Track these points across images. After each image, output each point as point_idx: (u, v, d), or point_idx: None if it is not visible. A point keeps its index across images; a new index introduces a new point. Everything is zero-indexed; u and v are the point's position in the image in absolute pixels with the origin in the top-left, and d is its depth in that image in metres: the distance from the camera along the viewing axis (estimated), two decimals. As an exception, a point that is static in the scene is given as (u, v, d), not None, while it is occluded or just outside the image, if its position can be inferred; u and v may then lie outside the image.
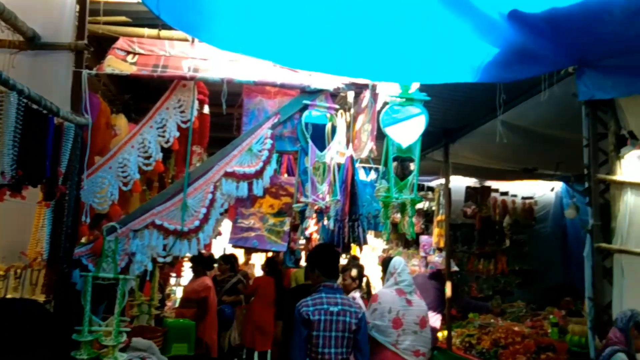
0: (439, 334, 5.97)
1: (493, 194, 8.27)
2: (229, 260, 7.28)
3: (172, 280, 7.85)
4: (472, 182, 8.22)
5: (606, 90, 3.49)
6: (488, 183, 8.25)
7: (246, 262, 9.04)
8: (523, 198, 8.49)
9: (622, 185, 3.71)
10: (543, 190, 8.62)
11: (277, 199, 3.67)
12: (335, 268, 3.59)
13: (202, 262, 5.98)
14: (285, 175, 4.58)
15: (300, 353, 3.32)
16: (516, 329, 5.67)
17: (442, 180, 6.34)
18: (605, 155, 3.79)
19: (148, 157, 3.65)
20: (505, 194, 8.38)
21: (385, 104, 3.69)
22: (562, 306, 6.91)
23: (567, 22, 2.72)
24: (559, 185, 8.58)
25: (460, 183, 7.89)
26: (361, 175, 5.65)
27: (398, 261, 4.29)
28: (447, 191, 6.13)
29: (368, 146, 3.82)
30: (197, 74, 3.67)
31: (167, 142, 3.69)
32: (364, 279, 5.31)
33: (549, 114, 4.59)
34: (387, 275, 4.31)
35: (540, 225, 8.65)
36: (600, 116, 3.83)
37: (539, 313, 6.75)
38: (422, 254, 6.78)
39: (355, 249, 5.59)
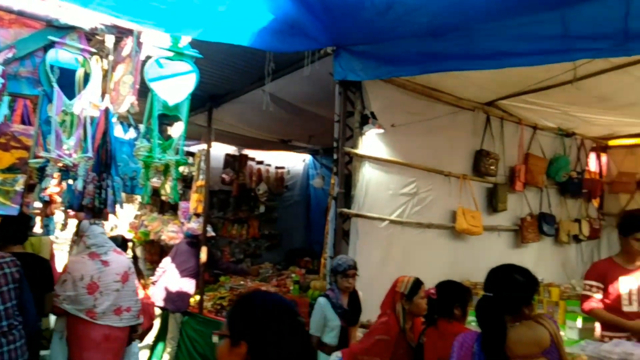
0: (192, 300, 5.95)
1: (250, 162, 8.61)
2: None
3: None
4: (231, 149, 8.36)
5: (356, 73, 3.91)
6: (246, 151, 8.52)
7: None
8: (276, 167, 9.09)
9: (363, 158, 4.28)
10: (294, 161, 9.37)
11: (8, 152, 2.97)
12: None
13: None
14: (20, 124, 3.77)
15: None
16: (264, 288, 6.04)
17: (204, 146, 6.24)
18: (351, 131, 4.30)
19: None
20: (261, 162, 8.82)
21: (151, 56, 3.36)
22: (302, 265, 7.72)
23: (335, 2, 2.91)
24: (307, 157, 9.45)
25: (219, 150, 7.94)
26: (118, 132, 5.10)
27: (84, 224, 4.05)
28: (209, 157, 6.07)
29: (128, 100, 3.41)
30: None
31: None
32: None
33: (309, 89, 4.94)
34: (77, 241, 4.08)
35: (289, 193, 9.42)
36: (350, 96, 4.32)
37: (283, 273, 7.34)
38: (182, 220, 6.60)
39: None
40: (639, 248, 3.68)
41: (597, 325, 4.00)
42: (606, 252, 6.47)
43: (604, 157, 6.70)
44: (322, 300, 3.56)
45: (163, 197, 3.64)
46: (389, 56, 3.60)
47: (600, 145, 6.65)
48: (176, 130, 3.41)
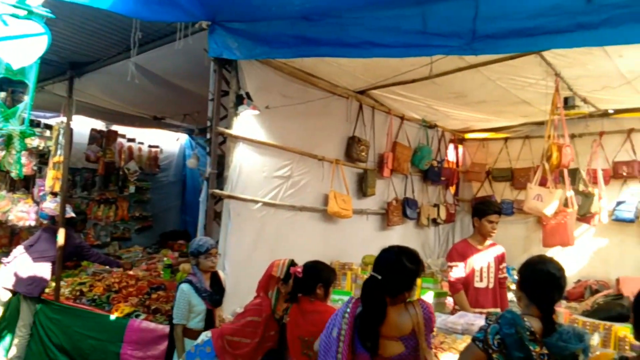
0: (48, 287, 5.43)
1: (120, 140, 8.04)
2: None
3: None
4: (98, 124, 7.73)
5: (232, 51, 3.82)
6: (115, 128, 7.94)
7: None
8: (150, 146, 8.61)
9: (237, 139, 4.21)
10: (169, 140, 8.96)
11: None
12: None
13: None
14: None
15: None
16: (131, 273, 5.73)
17: (64, 118, 5.67)
18: (226, 111, 4.22)
19: None
20: (132, 140, 8.29)
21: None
22: (176, 249, 7.46)
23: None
24: (184, 137, 9.09)
25: (84, 125, 7.29)
26: (-50, 97, 4.40)
27: None
28: (69, 130, 5.52)
29: (-37, 60, 2.97)
30: None
31: None
32: None
33: (182, 65, 4.72)
34: None
35: (163, 173, 9.00)
36: (225, 75, 4.22)
37: (154, 256, 7.04)
38: (36, 199, 5.92)
39: None
40: (491, 229, 4.12)
41: (449, 299, 4.45)
42: (459, 234, 7.20)
43: (460, 149, 7.40)
44: (185, 287, 3.43)
45: (12, 174, 3.25)
46: (264, 37, 3.56)
47: (458, 138, 7.33)
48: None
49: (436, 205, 6.86)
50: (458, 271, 4.12)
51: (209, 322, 3.45)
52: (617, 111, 5.84)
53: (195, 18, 3.65)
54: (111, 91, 5.91)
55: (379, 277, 2.30)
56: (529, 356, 2.05)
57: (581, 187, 5.65)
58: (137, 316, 4.45)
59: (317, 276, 3.02)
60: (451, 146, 7.21)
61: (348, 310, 2.37)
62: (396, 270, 2.31)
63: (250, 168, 4.33)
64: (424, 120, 6.42)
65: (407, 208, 6.26)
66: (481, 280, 4.14)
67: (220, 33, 3.83)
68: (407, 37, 2.76)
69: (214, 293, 3.50)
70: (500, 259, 4.22)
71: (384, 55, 3.03)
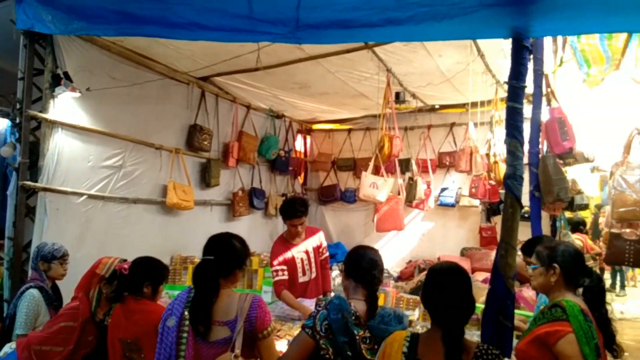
0: None
1: None
2: None
3: None
4: None
5: (45, 24, 3.38)
6: None
7: None
8: (-43, 132, 7.33)
9: (54, 124, 3.74)
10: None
11: None
12: None
13: None
14: None
15: None
16: None
17: None
18: (41, 92, 3.73)
19: None
20: None
21: None
22: (-7, 250, 6.49)
23: None
24: (5, 122, 7.90)
25: None
26: None
27: None
28: None
29: None
30: None
31: None
32: None
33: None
34: None
35: (-24, 164, 7.74)
36: (39, 50, 3.72)
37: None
38: None
39: None
40: (295, 232, 3.85)
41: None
42: (307, 223, 7.34)
43: (308, 139, 7.59)
44: (35, 292, 3.04)
45: None
46: (82, 10, 3.19)
47: (305, 128, 7.50)
48: None
49: (284, 195, 6.94)
50: (278, 276, 3.85)
51: None
52: (442, 107, 6.47)
53: (-5, -18, 3.14)
54: None
55: (212, 258, 2.25)
56: (352, 340, 2.12)
57: (408, 176, 6.14)
58: None
59: (145, 274, 2.82)
60: (299, 136, 7.35)
61: (191, 296, 2.26)
62: (227, 249, 2.30)
63: (71, 157, 3.89)
64: (271, 110, 6.43)
65: (254, 198, 6.23)
66: (304, 274, 3.86)
67: (31, 3, 3.37)
68: (234, 21, 2.66)
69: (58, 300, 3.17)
70: (319, 244, 4.05)
71: (211, 38, 2.89)
